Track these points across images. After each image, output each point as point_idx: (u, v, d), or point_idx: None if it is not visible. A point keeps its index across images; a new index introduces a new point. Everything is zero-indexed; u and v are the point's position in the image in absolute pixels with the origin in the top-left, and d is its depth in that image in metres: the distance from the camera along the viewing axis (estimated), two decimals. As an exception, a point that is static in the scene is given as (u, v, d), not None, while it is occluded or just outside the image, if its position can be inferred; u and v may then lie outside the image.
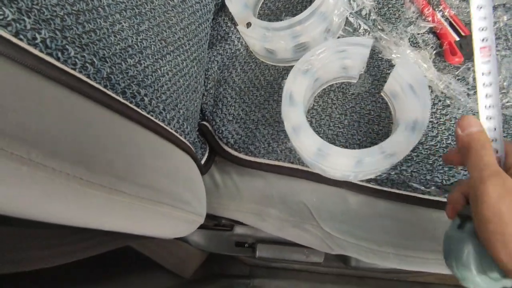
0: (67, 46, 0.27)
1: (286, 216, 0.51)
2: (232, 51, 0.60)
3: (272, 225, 0.53)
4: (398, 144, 0.43)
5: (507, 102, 0.48)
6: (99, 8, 0.34)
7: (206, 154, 0.55)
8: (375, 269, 0.75)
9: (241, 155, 0.53)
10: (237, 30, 0.61)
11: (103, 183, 0.26)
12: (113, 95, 0.31)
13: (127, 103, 0.33)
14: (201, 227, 0.60)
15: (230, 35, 0.61)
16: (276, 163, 0.52)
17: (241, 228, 0.61)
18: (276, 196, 0.52)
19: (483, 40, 0.30)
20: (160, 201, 0.32)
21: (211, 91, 0.57)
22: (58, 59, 0.26)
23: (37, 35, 0.25)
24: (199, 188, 0.42)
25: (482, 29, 0.30)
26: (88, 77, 0.29)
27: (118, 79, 0.33)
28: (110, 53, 0.34)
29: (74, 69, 0.28)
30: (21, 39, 0.24)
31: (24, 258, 0.33)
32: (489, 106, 0.29)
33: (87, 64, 0.29)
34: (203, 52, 0.55)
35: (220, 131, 0.55)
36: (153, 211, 0.32)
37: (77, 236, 0.40)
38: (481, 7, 0.30)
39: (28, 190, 0.23)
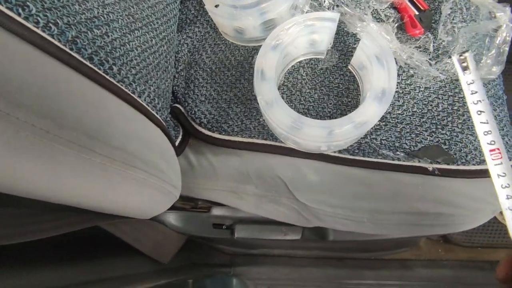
0: (28, 3, 0.27)
1: (262, 191, 0.52)
2: (202, 33, 0.60)
3: (249, 203, 0.53)
4: (367, 114, 0.44)
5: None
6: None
7: (180, 137, 0.55)
8: (353, 246, 0.76)
9: (215, 135, 0.53)
10: (206, 13, 0.61)
11: (71, 139, 0.25)
12: (80, 58, 0.30)
13: (95, 69, 0.32)
14: (178, 209, 0.59)
15: (199, 18, 0.61)
16: (250, 140, 0.52)
17: (219, 209, 0.61)
18: (252, 172, 0.52)
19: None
20: (133, 164, 0.31)
21: (182, 73, 0.57)
22: (19, 14, 0.26)
23: (-5, -12, 0.24)
24: (173, 160, 0.42)
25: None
26: (52, 37, 0.28)
27: (85, 44, 0.32)
28: (75, 21, 0.33)
29: (37, 27, 0.27)
30: (-22, -10, 0.23)
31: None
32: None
33: (51, 24, 0.28)
34: (172, 33, 0.54)
35: (193, 112, 0.54)
36: (127, 176, 0.31)
37: (45, 216, 0.39)
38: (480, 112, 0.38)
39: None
